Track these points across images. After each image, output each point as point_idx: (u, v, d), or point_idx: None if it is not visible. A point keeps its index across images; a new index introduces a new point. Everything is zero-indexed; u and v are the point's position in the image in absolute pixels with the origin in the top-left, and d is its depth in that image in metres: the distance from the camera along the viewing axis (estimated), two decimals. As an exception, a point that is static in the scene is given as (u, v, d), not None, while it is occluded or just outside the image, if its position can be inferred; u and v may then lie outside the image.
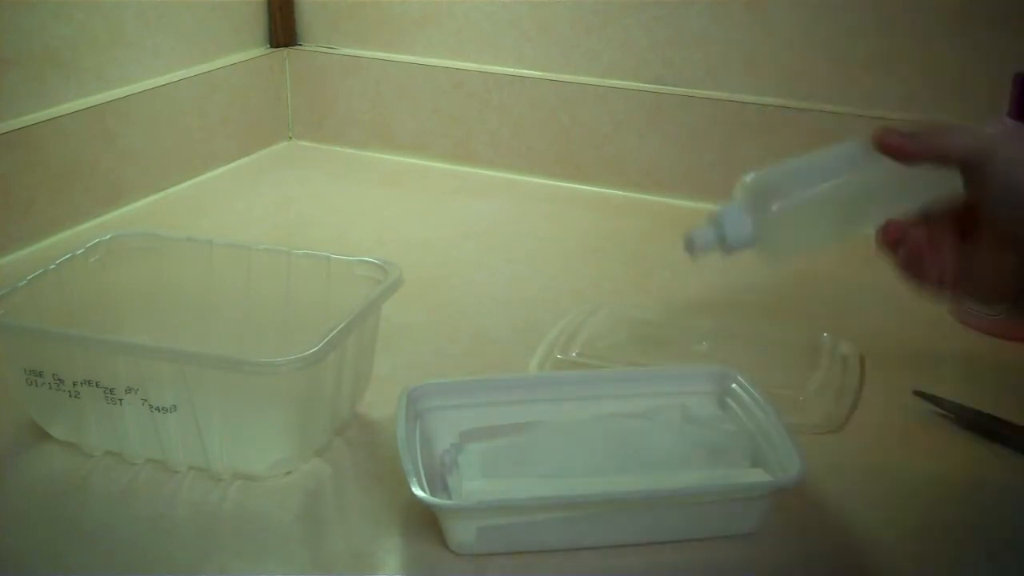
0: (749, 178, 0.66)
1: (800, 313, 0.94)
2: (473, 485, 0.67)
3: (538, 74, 1.23)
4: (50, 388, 0.71)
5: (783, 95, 1.13)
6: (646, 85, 1.18)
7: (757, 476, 0.67)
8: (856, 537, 0.67)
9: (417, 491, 0.63)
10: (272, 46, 1.34)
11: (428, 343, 0.89)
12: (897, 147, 0.63)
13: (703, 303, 0.96)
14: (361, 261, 0.79)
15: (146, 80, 1.17)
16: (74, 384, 0.70)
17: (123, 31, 1.14)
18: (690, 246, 0.66)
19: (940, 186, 0.63)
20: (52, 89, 1.07)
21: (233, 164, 1.28)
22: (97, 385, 0.70)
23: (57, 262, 0.78)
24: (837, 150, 0.66)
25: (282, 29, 1.33)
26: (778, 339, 0.87)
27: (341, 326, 0.70)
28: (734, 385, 0.74)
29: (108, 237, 0.82)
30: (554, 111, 1.23)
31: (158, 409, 0.69)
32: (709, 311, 0.94)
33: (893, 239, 0.63)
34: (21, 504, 0.70)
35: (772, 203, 0.65)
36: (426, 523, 0.65)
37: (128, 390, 0.69)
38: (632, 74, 1.19)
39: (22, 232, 1.04)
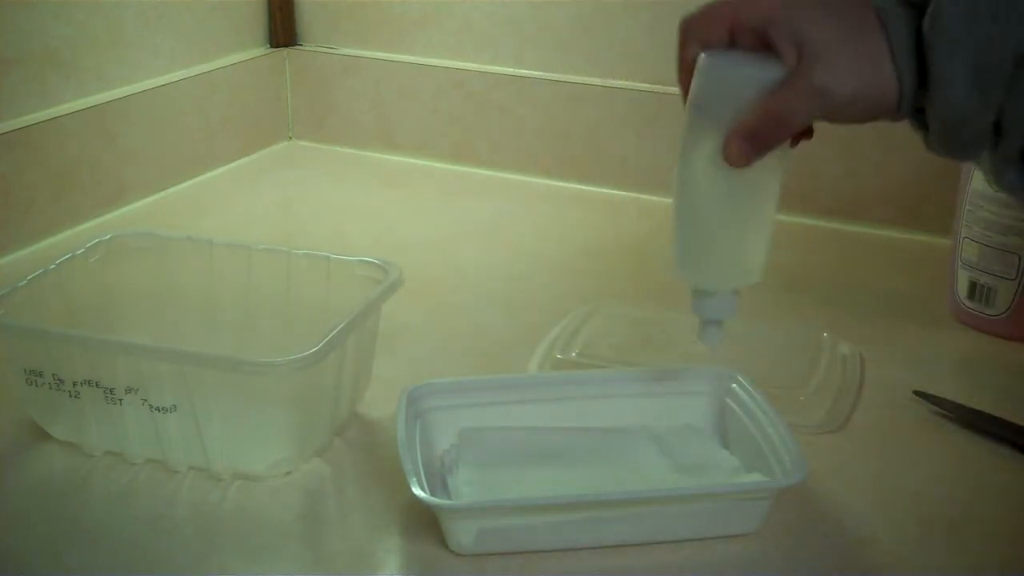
0: (677, 273, 0.71)
1: (800, 313, 0.94)
2: (473, 487, 0.67)
3: (538, 74, 1.23)
4: (50, 388, 0.71)
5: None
6: (646, 85, 1.18)
7: (758, 477, 0.67)
8: (856, 537, 0.67)
9: (417, 491, 0.63)
10: (272, 46, 1.34)
11: (428, 343, 0.89)
12: (747, 157, 0.64)
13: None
14: (361, 261, 0.79)
15: (146, 80, 1.17)
16: (74, 384, 0.70)
17: (123, 31, 1.14)
18: (712, 344, 0.72)
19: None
20: (52, 89, 1.07)
21: (233, 164, 1.28)
22: (97, 385, 0.69)
23: (57, 262, 0.78)
24: (697, 192, 0.68)
25: (282, 29, 1.33)
26: (778, 339, 0.87)
27: (341, 326, 0.70)
28: (734, 385, 0.74)
29: (108, 237, 0.82)
30: (554, 111, 1.23)
31: (158, 409, 0.69)
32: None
33: None
34: (21, 504, 0.70)
35: (712, 276, 0.70)
36: (426, 523, 0.65)
37: (128, 390, 0.69)
38: (632, 74, 1.19)
39: (22, 232, 1.04)
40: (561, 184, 1.24)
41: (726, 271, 0.70)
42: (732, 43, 0.64)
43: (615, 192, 1.22)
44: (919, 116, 0.64)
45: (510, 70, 1.25)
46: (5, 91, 1.02)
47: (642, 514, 0.65)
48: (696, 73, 0.65)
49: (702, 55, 0.65)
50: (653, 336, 0.89)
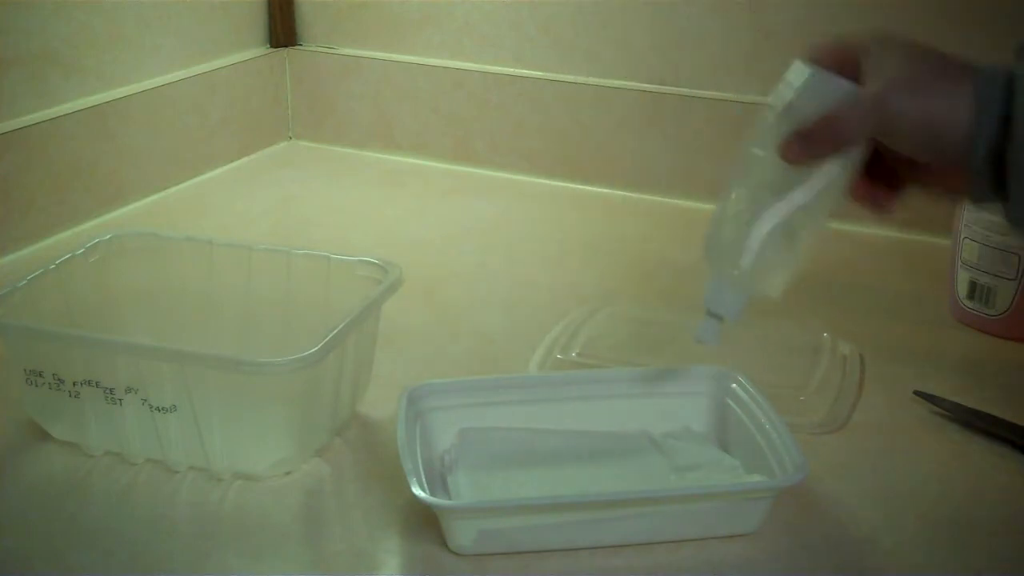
0: (705, 251, 0.72)
1: (800, 313, 0.94)
2: (473, 487, 0.67)
3: (538, 74, 1.23)
4: (50, 388, 0.71)
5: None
6: (646, 85, 1.18)
7: (759, 476, 0.67)
8: (856, 537, 0.67)
9: (417, 491, 0.63)
10: (272, 46, 1.34)
11: (428, 343, 0.89)
12: (799, 155, 0.66)
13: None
14: (361, 261, 0.79)
15: (146, 80, 1.17)
16: (74, 384, 0.70)
17: (123, 31, 1.14)
18: (705, 341, 0.72)
19: (847, 160, 0.67)
20: (52, 89, 1.07)
21: (233, 164, 1.28)
22: (97, 385, 0.69)
23: (57, 262, 0.78)
24: (751, 179, 0.70)
25: (282, 29, 1.33)
26: (778, 339, 0.87)
27: (341, 326, 0.70)
28: (734, 385, 0.74)
29: (108, 237, 0.82)
30: (554, 111, 1.23)
31: (158, 409, 0.69)
32: (709, 311, 0.94)
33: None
34: (21, 504, 0.70)
35: (734, 265, 0.70)
36: (426, 523, 0.65)
37: (128, 390, 0.69)
38: (632, 74, 1.19)
39: (22, 232, 1.04)
40: (561, 184, 1.24)
41: (747, 269, 0.70)
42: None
43: (615, 192, 1.22)
44: (999, 186, 0.63)
45: (510, 70, 1.25)
46: (5, 91, 1.02)
47: (642, 514, 0.65)
48: (786, 74, 0.68)
49: (797, 61, 0.67)
50: (653, 336, 0.89)
